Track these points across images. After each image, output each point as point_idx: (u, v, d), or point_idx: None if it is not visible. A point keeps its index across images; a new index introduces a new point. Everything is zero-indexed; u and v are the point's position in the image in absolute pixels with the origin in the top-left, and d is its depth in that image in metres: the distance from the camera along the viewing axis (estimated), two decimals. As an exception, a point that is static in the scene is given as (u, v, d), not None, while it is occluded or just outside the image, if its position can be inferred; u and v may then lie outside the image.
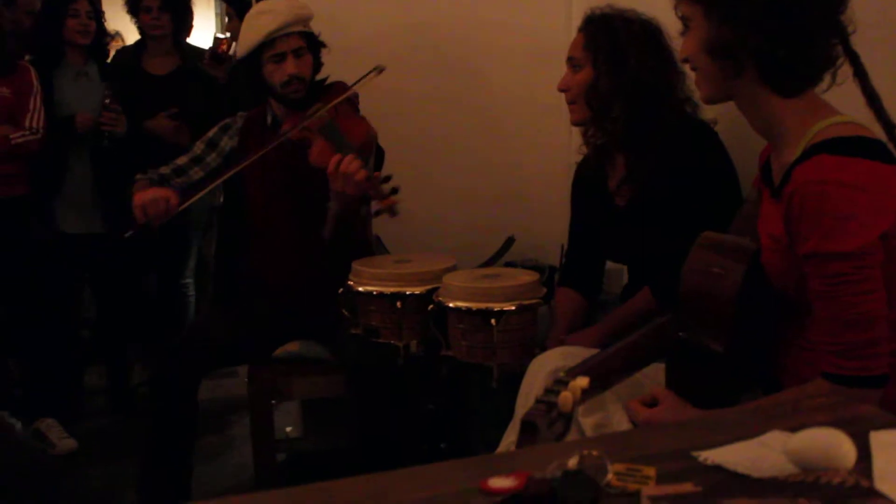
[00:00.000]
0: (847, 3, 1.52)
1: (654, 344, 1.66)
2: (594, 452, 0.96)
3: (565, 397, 1.28)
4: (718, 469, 0.99)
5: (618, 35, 2.24)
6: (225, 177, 2.60)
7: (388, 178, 2.36)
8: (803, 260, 1.47)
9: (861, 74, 1.54)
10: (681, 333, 1.62)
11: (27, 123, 3.43)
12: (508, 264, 3.15)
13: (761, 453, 1.02)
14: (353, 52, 2.87)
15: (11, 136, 3.38)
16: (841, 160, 1.44)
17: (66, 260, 3.71)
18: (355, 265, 2.37)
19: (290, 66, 2.61)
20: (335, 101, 2.56)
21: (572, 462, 0.94)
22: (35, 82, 3.49)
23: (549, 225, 3.28)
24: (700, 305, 1.60)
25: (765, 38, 1.49)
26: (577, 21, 3.25)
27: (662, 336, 1.65)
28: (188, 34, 4.11)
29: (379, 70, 2.54)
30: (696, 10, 1.56)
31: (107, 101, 3.56)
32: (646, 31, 2.26)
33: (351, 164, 2.35)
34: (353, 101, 2.69)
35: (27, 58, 3.66)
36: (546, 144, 3.39)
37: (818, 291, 1.47)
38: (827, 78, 1.55)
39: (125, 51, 4.11)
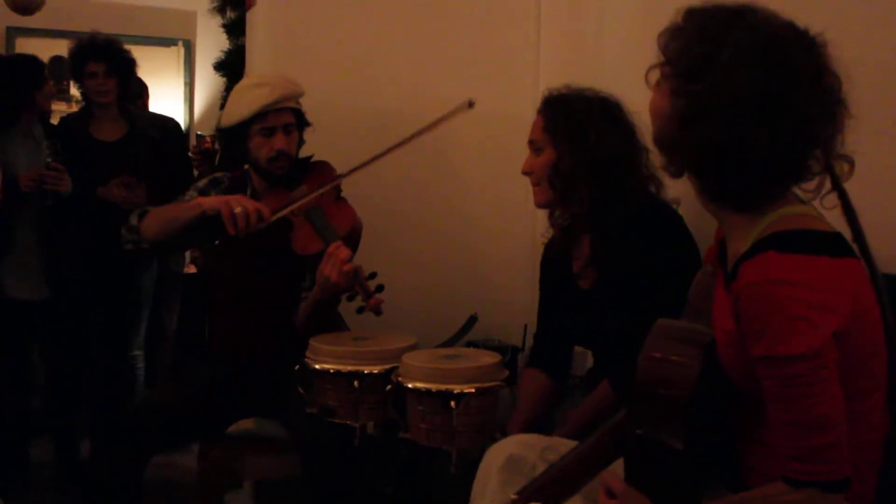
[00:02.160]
0: (828, 105, 1.44)
1: (613, 443, 1.59)
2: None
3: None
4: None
5: (576, 114, 2.24)
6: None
7: (374, 275, 2.33)
8: (756, 361, 1.42)
9: (840, 190, 1.49)
10: (638, 430, 1.56)
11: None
12: (470, 344, 3.10)
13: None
14: (323, 130, 2.84)
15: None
16: (788, 258, 1.39)
17: (13, 327, 3.62)
18: (312, 342, 2.31)
19: (279, 142, 2.60)
20: (326, 188, 2.55)
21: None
22: None
23: (512, 304, 3.25)
24: (656, 398, 1.53)
25: (719, 156, 1.45)
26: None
27: (620, 434, 1.60)
28: (136, 99, 4.11)
29: (470, 104, 2.52)
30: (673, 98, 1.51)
31: (49, 159, 3.51)
32: (605, 108, 2.27)
33: (341, 252, 2.31)
34: (337, 186, 2.66)
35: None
36: (510, 224, 3.37)
37: (772, 394, 1.41)
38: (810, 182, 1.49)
39: (71, 117, 4.06)
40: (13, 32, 5.72)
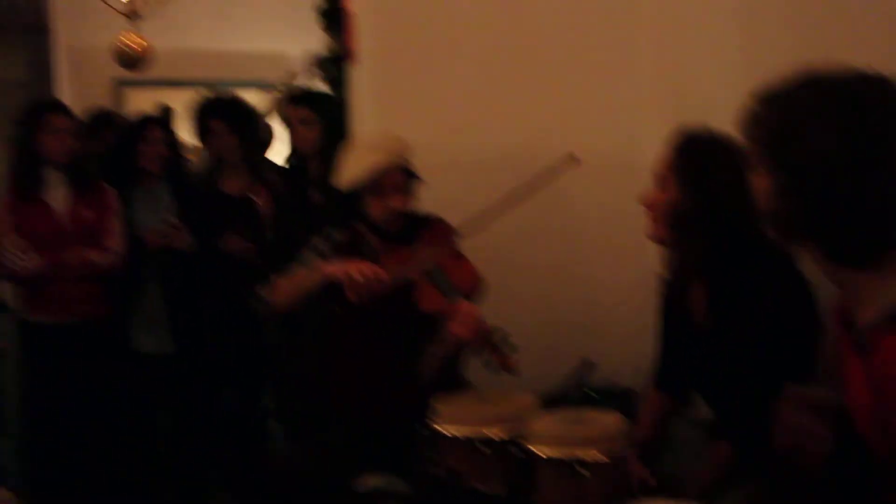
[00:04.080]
0: None
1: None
2: None
3: None
4: None
5: (705, 158, 2.21)
6: None
7: (504, 333, 2.36)
8: None
9: None
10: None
11: (107, 245, 3.52)
12: (586, 389, 3.11)
13: None
14: (431, 183, 2.88)
15: (93, 258, 3.46)
16: None
17: (141, 379, 3.75)
18: (436, 404, 2.34)
19: (394, 201, 2.64)
20: (444, 247, 2.59)
21: None
22: (115, 204, 3.60)
23: (625, 348, 3.23)
24: (790, 468, 1.54)
25: (824, 217, 1.45)
26: (652, 137, 3.31)
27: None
28: (265, 146, 4.21)
29: (574, 159, 2.55)
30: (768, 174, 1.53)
31: (170, 218, 3.66)
32: (735, 157, 2.24)
33: (469, 310, 2.36)
34: (454, 242, 2.68)
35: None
36: (622, 267, 3.36)
37: None
38: None
39: (199, 171, 4.19)
40: (120, 84, 5.95)
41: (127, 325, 3.73)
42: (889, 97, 1.45)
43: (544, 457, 2.09)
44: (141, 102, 5.99)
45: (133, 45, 4.97)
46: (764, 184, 1.52)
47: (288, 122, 3.68)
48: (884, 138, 1.41)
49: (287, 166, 3.97)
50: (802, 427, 1.54)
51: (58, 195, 3.51)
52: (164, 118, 4.20)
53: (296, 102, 3.63)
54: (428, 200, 2.80)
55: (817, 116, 1.44)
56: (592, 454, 2.06)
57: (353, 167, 2.66)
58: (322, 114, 3.55)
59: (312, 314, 2.67)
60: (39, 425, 3.54)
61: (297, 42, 6.08)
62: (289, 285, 2.66)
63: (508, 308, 3.15)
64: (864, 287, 1.51)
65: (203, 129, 3.91)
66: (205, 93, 4.02)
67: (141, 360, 3.74)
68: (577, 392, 3.12)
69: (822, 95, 1.45)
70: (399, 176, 2.66)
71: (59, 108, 3.58)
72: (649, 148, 3.22)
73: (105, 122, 4.52)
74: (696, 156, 2.23)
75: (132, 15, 4.77)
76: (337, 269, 2.51)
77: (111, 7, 4.72)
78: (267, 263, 3.43)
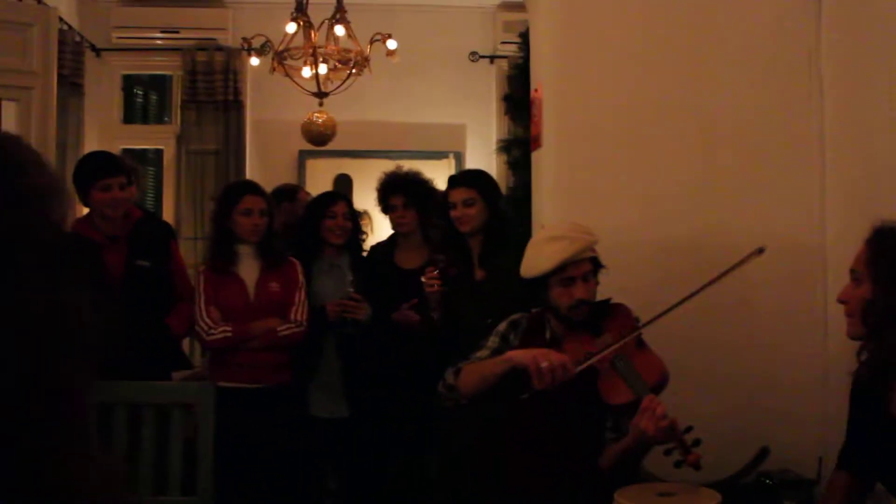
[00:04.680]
0: None
1: None
2: None
3: None
4: None
5: None
6: None
7: (690, 429, 2.34)
8: None
9: None
10: None
11: (293, 316, 3.69)
12: (763, 476, 3.02)
13: None
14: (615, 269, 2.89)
15: (279, 329, 3.64)
16: None
17: (315, 441, 3.89)
18: (618, 497, 2.33)
19: (580, 291, 2.67)
20: (629, 338, 2.59)
21: None
22: (301, 278, 3.78)
23: (805, 436, 3.13)
24: None
25: None
26: (832, 232, 3.23)
27: None
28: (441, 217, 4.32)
29: (760, 251, 2.56)
30: None
31: (350, 289, 3.80)
32: None
33: (657, 406, 2.35)
34: (638, 330, 2.68)
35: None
36: (801, 353, 3.27)
37: None
38: None
39: (380, 246, 4.33)
40: (304, 155, 6.28)
41: (306, 391, 3.88)
42: None
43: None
44: (322, 171, 6.32)
45: (319, 122, 5.24)
46: None
47: (451, 202, 3.65)
48: None
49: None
50: None
51: (248, 268, 3.71)
52: (345, 192, 4.38)
53: (459, 183, 3.64)
54: (610, 285, 2.81)
55: None
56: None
57: (540, 256, 2.70)
58: (484, 193, 3.59)
59: (497, 398, 2.69)
60: (226, 484, 3.71)
61: (472, 115, 6.32)
62: (476, 373, 2.70)
63: (685, 390, 3.12)
64: None
65: (385, 204, 4.07)
66: (389, 170, 4.17)
67: (316, 424, 3.88)
68: (753, 480, 3.05)
69: None
70: (586, 266, 2.69)
71: (253, 188, 3.79)
72: (836, 236, 3.16)
73: (288, 195, 4.80)
74: (890, 251, 2.18)
75: (319, 93, 5.04)
76: (525, 356, 2.54)
77: (299, 86, 5.00)
78: (435, 341, 3.54)
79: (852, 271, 2.27)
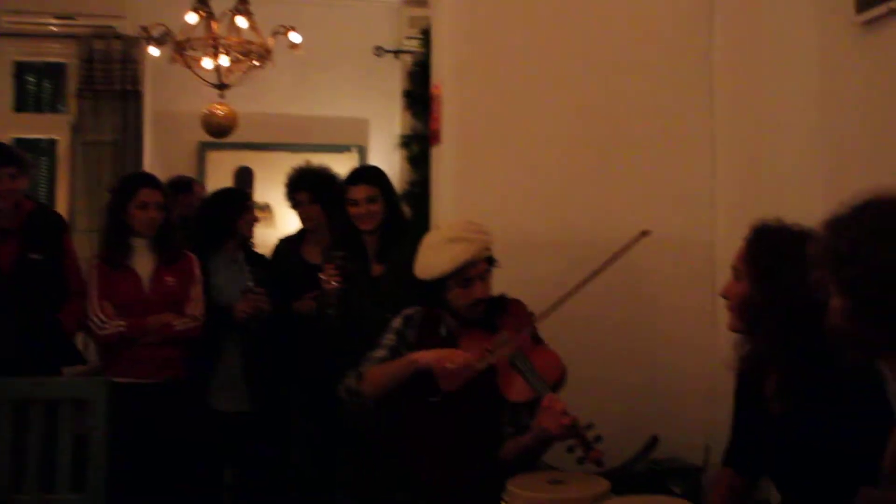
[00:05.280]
0: None
1: None
2: None
3: None
4: None
5: (779, 251, 2.21)
6: None
7: (591, 426, 2.39)
8: None
9: None
10: None
11: (189, 311, 3.65)
12: (654, 464, 3.12)
13: None
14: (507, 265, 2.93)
15: (174, 324, 3.58)
16: None
17: (215, 435, 3.86)
18: (510, 486, 2.37)
19: (478, 291, 2.70)
20: (526, 331, 2.66)
21: None
22: (197, 272, 3.74)
23: (693, 424, 3.24)
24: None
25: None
26: (721, 220, 3.34)
27: None
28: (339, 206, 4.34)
29: (645, 234, 2.63)
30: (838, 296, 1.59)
31: (249, 283, 3.83)
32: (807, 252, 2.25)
33: (557, 404, 2.40)
34: (534, 325, 2.74)
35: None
36: (690, 345, 3.38)
37: None
38: None
39: (288, 239, 4.31)
40: (204, 147, 6.17)
41: (205, 386, 3.85)
42: None
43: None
44: (222, 164, 6.23)
45: (220, 114, 5.17)
46: (836, 305, 1.58)
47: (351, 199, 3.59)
48: None
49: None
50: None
51: (143, 262, 3.65)
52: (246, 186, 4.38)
53: (362, 180, 3.60)
54: (505, 280, 2.85)
55: (877, 236, 1.50)
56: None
57: (438, 258, 2.71)
58: (385, 190, 3.58)
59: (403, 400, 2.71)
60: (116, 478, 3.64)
61: (375, 110, 6.32)
62: (380, 376, 2.71)
63: (577, 383, 3.20)
64: None
65: (292, 200, 4.13)
66: (296, 166, 4.24)
67: (217, 417, 3.85)
68: (643, 468, 3.14)
69: (881, 216, 1.52)
70: (483, 266, 2.73)
71: (150, 181, 3.72)
72: (725, 232, 3.27)
73: (184, 187, 4.75)
74: (768, 249, 2.25)
75: (220, 85, 4.97)
76: (429, 358, 2.58)
77: (200, 77, 4.93)
78: (332, 337, 3.55)
79: (733, 268, 2.35)
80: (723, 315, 2.37)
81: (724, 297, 2.35)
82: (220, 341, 3.88)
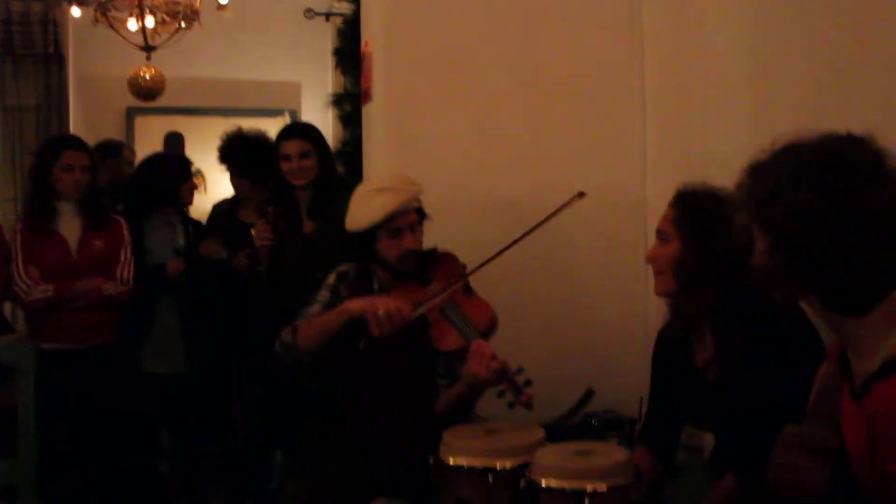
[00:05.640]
0: None
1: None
2: None
3: None
4: None
5: (707, 213, 2.25)
6: None
7: (521, 370, 2.39)
8: (890, 476, 1.46)
9: None
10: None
11: (118, 275, 3.57)
12: (589, 416, 3.15)
13: None
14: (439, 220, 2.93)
15: (103, 287, 3.51)
16: None
17: (150, 398, 3.79)
18: (446, 436, 2.37)
19: (408, 241, 2.69)
20: (459, 283, 2.64)
21: None
22: (126, 235, 3.66)
23: (627, 377, 3.28)
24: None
25: (814, 268, 1.53)
26: (652, 186, 3.37)
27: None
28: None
29: (581, 195, 2.63)
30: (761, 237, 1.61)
31: (181, 242, 3.88)
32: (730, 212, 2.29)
33: (486, 349, 2.40)
34: (466, 277, 2.72)
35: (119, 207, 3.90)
36: (625, 301, 3.43)
37: None
38: None
39: (224, 202, 4.35)
40: (132, 112, 6.05)
41: (138, 349, 3.79)
42: (864, 153, 1.53)
43: (547, 486, 2.13)
44: (151, 129, 6.10)
45: (147, 77, 5.06)
46: (758, 246, 1.61)
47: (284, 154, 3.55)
48: (861, 190, 1.50)
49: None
50: (797, 465, 1.59)
51: (70, 226, 3.56)
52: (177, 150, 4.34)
53: (294, 135, 3.57)
54: (438, 238, 2.85)
55: (797, 177, 1.53)
56: (598, 486, 2.11)
57: (367, 208, 2.70)
58: (317, 145, 3.55)
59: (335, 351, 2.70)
60: (49, 446, 3.58)
61: (307, 73, 6.25)
62: (313, 328, 2.69)
63: (514, 338, 3.22)
64: (860, 334, 1.57)
65: (226, 166, 4.12)
66: (227, 132, 4.17)
67: (152, 380, 3.79)
68: (579, 420, 3.18)
69: (800, 158, 1.55)
70: (413, 216, 2.72)
71: (74, 143, 3.63)
72: (655, 194, 3.30)
73: (112, 152, 4.64)
74: (697, 209, 2.29)
75: (146, 47, 4.85)
76: (362, 304, 2.56)
77: (126, 39, 4.80)
78: (263, 294, 3.53)
79: (659, 231, 2.37)
80: (654, 274, 2.40)
81: (651, 261, 2.38)
82: (154, 303, 3.83)
